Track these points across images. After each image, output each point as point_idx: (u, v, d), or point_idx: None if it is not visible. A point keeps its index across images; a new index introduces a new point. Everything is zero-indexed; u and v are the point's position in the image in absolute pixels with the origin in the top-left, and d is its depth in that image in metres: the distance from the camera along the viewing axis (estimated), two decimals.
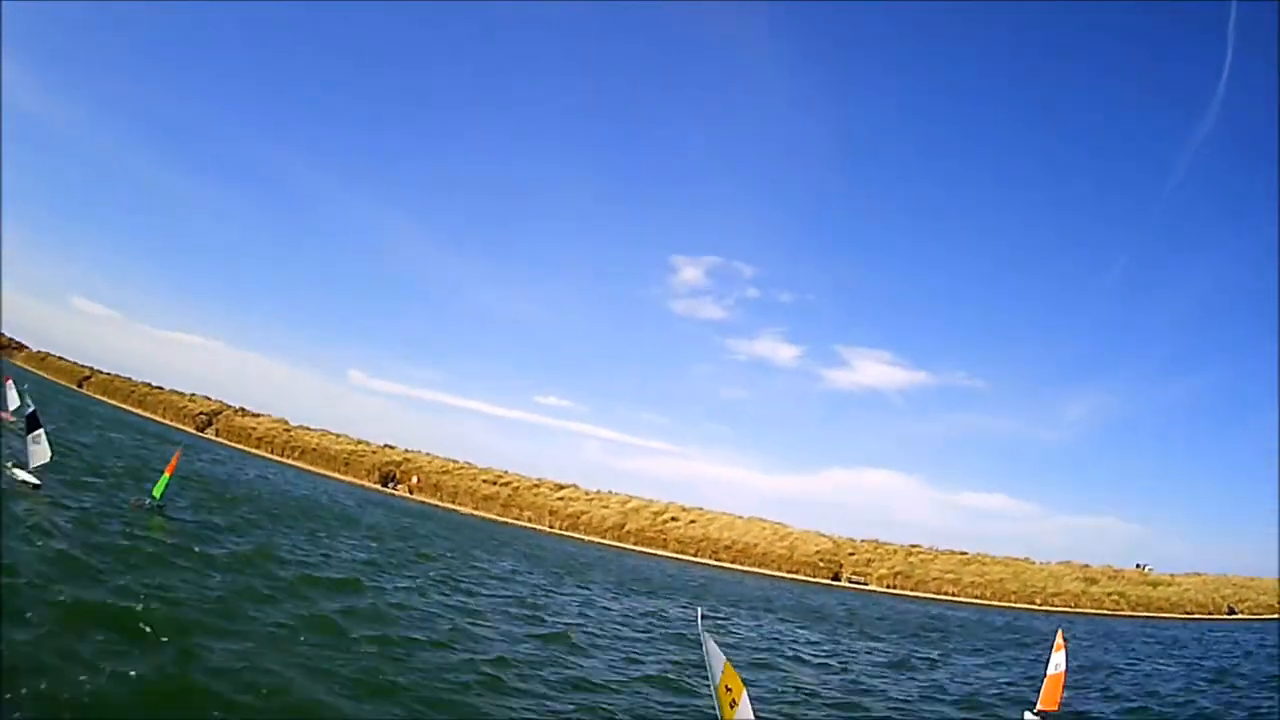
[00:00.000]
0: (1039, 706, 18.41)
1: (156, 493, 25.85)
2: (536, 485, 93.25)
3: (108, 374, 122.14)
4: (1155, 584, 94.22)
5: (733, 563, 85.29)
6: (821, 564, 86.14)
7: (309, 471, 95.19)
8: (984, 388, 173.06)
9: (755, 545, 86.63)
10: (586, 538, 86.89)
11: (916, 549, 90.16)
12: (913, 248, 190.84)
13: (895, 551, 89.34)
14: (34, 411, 23.22)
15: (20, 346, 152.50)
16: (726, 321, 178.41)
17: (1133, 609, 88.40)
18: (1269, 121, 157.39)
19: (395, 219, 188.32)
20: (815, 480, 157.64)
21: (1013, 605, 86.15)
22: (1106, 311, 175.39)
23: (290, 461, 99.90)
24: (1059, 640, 18.66)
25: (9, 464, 23.56)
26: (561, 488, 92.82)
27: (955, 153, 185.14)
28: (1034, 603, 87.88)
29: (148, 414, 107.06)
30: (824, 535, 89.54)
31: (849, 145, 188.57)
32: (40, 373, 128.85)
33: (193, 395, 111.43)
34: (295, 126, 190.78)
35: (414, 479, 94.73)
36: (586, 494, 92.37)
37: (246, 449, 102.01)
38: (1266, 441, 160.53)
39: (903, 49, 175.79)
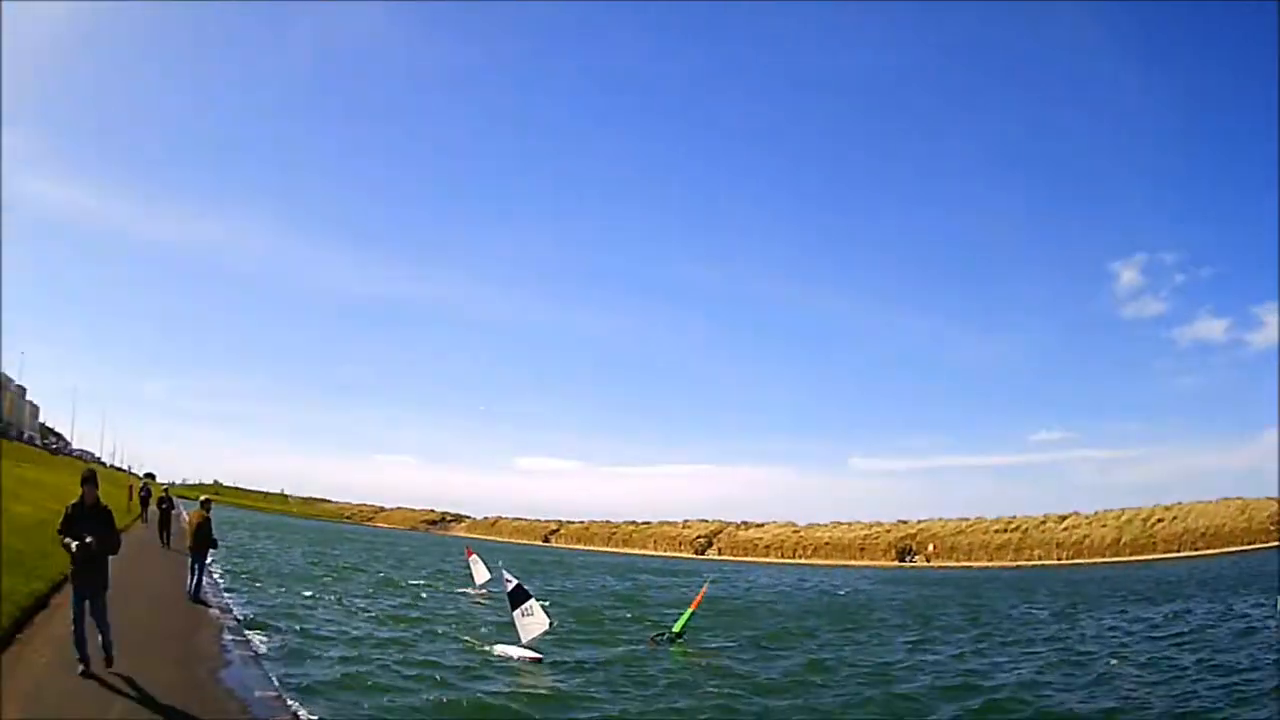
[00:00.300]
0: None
1: (677, 627, 24.18)
2: (1041, 523, 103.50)
3: (578, 523, 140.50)
4: None
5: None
6: None
7: (821, 565, 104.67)
8: None
9: None
10: (1088, 560, 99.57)
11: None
12: None
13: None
14: (518, 585, 20.65)
15: (460, 518, 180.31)
16: (1165, 315, 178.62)
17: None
18: None
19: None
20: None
21: None
22: None
23: (802, 561, 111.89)
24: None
25: (491, 645, 21.13)
26: (1064, 518, 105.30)
27: None
28: None
29: (635, 551, 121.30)
30: None
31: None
32: (493, 538, 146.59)
33: (686, 521, 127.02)
34: None
35: (930, 546, 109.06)
36: (1086, 519, 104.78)
37: (754, 560, 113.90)
38: None
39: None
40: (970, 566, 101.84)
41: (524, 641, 19.87)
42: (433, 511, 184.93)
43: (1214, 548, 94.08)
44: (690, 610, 24.60)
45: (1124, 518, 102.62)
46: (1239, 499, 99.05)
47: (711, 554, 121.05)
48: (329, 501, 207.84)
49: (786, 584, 59.97)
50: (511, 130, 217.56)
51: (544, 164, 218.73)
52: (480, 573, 35.06)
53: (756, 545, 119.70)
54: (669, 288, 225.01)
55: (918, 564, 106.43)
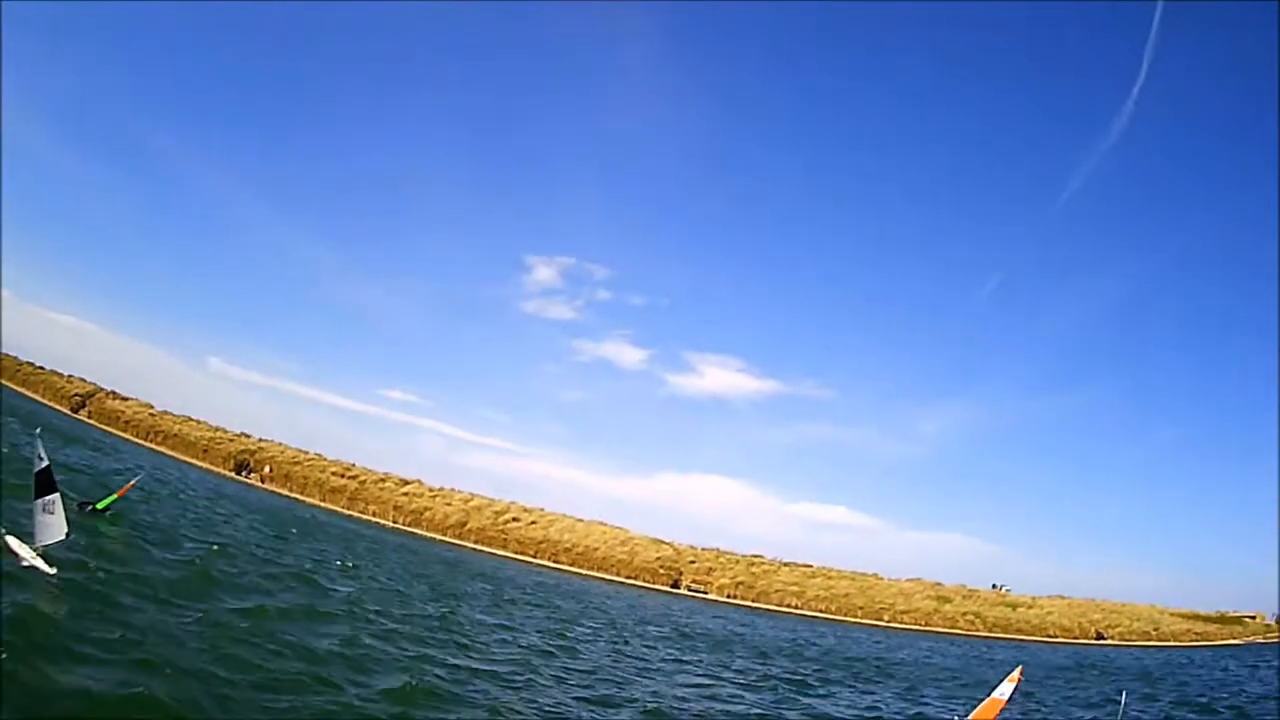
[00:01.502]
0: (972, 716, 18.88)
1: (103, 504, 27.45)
2: (383, 480, 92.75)
3: None
4: (1014, 605, 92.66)
5: (572, 565, 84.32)
6: (662, 570, 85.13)
7: (169, 456, 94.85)
8: (834, 398, 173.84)
9: (596, 549, 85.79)
10: (428, 534, 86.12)
11: (759, 559, 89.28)
12: (773, 253, 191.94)
13: (737, 561, 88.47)
14: (47, 467, 16.68)
15: None
16: (575, 322, 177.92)
17: (989, 630, 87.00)
18: (1173, 148, 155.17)
19: (256, 204, 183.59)
20: (648, 484, 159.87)
21: (859, 621, 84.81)
22: (973, 328, 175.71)
23: (153, 445, 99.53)
24: (1015, 674, 19.13)
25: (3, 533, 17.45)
26: (406, 483, 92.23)
27: (825, 160, 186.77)
28: (881, 619, 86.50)
29: (27, 392, 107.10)
30: (665, 542, 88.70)
31: (711, 146, 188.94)
32: None
33: (70, 376, 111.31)
34: (166, 106, 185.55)
35: (266, 468, 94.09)
36: (431, 490, 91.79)
37: (114, 431, 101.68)
38: (1125, 464, 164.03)
39: (775, 46, 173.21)
40: (301, 500, 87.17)
41: (37, 544, 16.76)
42: None
43: (577, 565, 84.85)
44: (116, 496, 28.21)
45: (473, 503, 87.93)
46: (622, 529, 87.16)
47: (83, 415, 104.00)
48: None
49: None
50: None
51: None
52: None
53: (119, 418, 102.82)
54: None
55: (252, 480, 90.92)
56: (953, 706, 24.88)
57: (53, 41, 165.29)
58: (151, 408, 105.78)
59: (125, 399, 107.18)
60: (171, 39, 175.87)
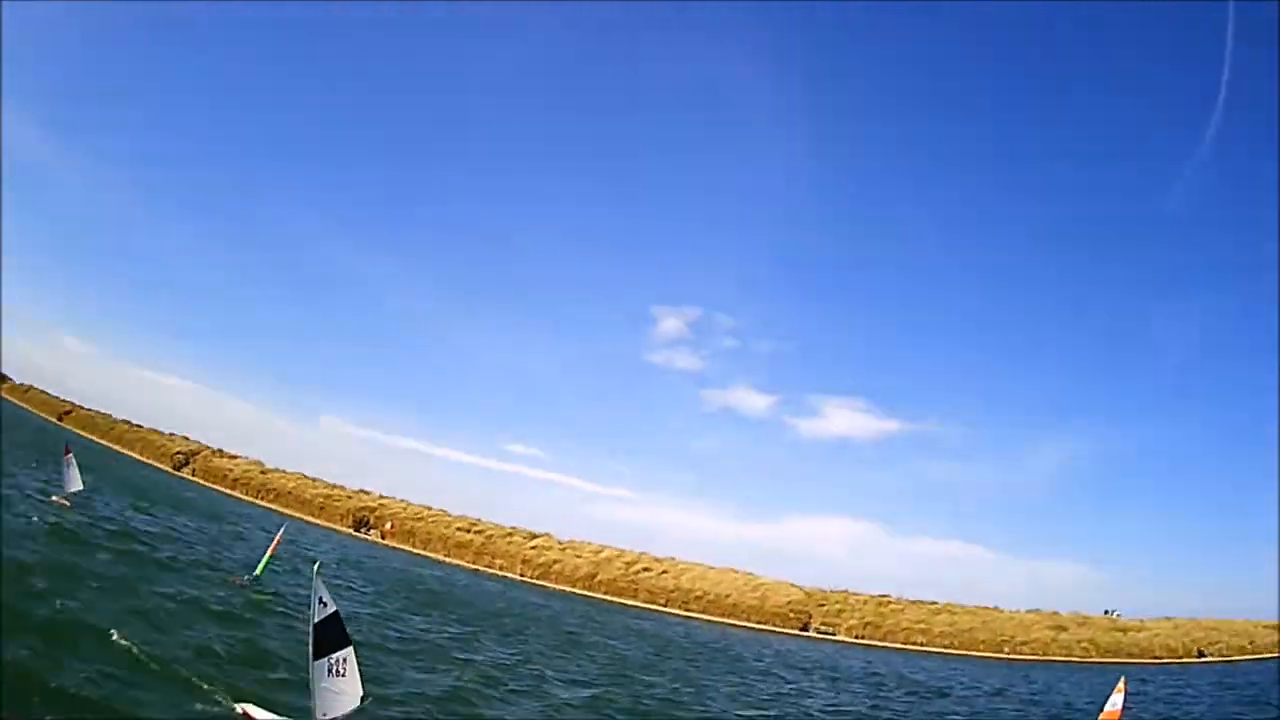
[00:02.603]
0: None
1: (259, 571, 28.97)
2: (510, 534, 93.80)
3: (89, 410, 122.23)
4: (1124, 629, 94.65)
5: (703, 612, 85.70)
6: (792, 614, 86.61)
7: (282, 514, 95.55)
8: (954, 434, 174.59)
9: (727, 596, 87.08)
10: (557, 586, 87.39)
11: (886, 599, 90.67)
12: (893, 293, 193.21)
13: (866, 602, 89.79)
14: (334, 614, 14.80)
15: (3, 378, 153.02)
16: (703, 372, 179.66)
17: (1102, 655, 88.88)
18: (1267, 168, 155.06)
19: (376, 260, 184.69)
20: (776, 528, 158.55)
21: (981, 654, 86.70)
22: (1083, 356, 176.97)
23: (264, 504, 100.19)
24: (1121, 685, 22.77)
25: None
26: (535, 536, 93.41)
27: (940, 202, 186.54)
28: (1002, 651, 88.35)
29: (124, 450, 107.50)
30: (794, 585, 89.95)
31: (833, 191, 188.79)
32: (24, 405, 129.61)
33: (170, 434, 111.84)
34: (278, 163, 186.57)
35: (388, 524, 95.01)
36: (560, 544, 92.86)
37: (222, 489, 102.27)
38: (1235, 489, 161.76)
39: (887, 81, 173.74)
40: (426, 556, 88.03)
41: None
42: None
43: (709, 613, 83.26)
44: (268, 556, 29.28)
45: (604, 555, 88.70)
46: (751, 575, 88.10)
47: (186, 473, 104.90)
48: None
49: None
50: None
51: None
52: (73, 480, 32.18)
53: (226, 476, 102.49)
54: None
55: (371, 537, 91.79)
56: None
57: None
58: (262, 464, 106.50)
59: (233, 457, 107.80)
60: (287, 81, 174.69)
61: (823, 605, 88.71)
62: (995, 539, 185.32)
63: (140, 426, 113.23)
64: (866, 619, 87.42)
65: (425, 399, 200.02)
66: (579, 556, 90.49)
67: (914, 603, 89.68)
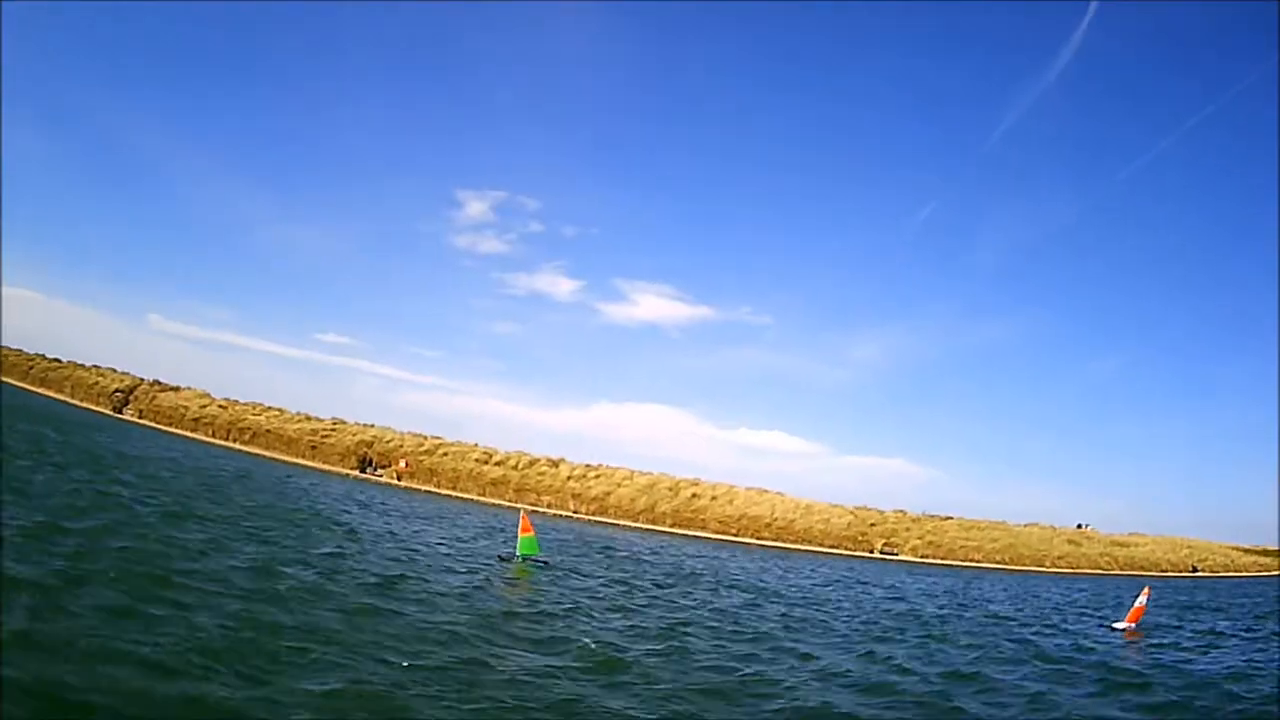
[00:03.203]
0: (1126, 620, 29.25)
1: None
2: (532, 462, 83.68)
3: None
4: (1125, 544, 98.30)
5: (775, 540, 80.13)
6: (860, 537, 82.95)
7: (267, 458, 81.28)
8: (768, 324, 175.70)
9: (793, 522, 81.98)
10: (619, 522, 79.05)
11: (933, 517, 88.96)
12: (706, 179, 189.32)
13: (915, 520, 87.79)
14: None
15: None
16: (508, 256, 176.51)
17: (1121, 568, 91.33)
18: (1111, 85, 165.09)
19: (182, 148, 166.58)
20: (585, 415, 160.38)
21: (1028, 569, 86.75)
22: (908, 255, 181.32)
23: (238, 447, 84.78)
24: (1146, 590, 30.47)
25: None
26: (555, 464, 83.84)
27: (759, 84, 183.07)
28: (1043, 565, 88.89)
29: (53, 394, 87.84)
30: (842, 507, 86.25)
31: (639, 71, 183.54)
32: None
33: (95, 367, 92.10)
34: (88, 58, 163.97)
35: (402, 463, 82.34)
36: (594, 470, 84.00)
37: (180, 432, 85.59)
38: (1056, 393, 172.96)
39: None
40: (458, 498, 78.12)
41: None
42: None
43: (780, 540, 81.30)
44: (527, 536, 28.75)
45: (648, 481, 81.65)
46: (799, 499, 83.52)
47: (129, 414, 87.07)
48: None
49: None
50: None
51: None
52: None
53: (183, 416, 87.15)
54: None
55: (382, 479, 79.67)
56: None
57: None
58: (208, 395, 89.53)
59: (176, 389, 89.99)
60: None
61: (874, 525, 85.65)
62: (816, 432, 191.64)
63: (60, 361, 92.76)
64: (927, 538, 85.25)
65: (238, 291, 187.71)
66: (620, 486, 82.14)
67: (946, 519, 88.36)
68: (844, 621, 26.50)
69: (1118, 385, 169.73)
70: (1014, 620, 31.70)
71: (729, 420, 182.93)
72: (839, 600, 34.33)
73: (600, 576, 30.40)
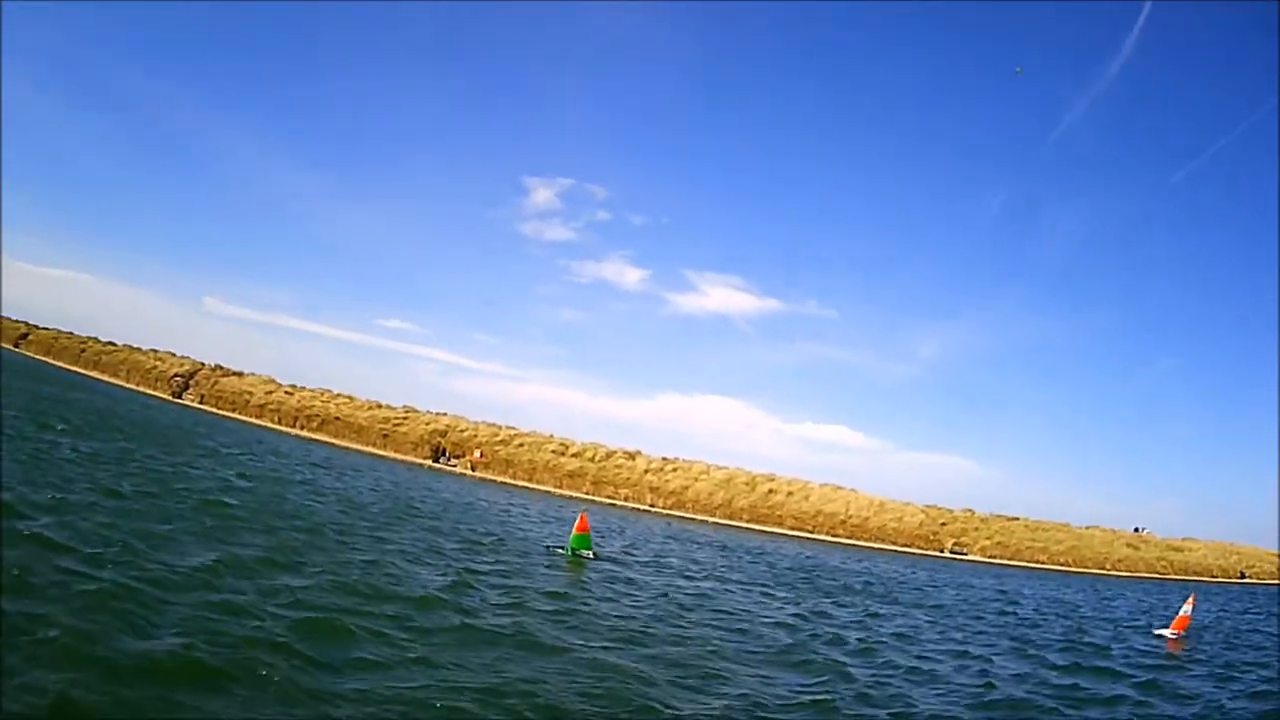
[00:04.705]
0: (1171, 628, 28.80)
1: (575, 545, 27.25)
2: (610, 455, 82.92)
3: (48, 330, 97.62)
4: (1180, 549, 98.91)
5: (849, 537, 79.91)
6: (933, 536, 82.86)
7: (336, 446, 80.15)
8: (834, 317, 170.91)
9: (868, 519, 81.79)
10: (694, 516, 78.52)
11: (1000, 517, 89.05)
12: (776, 170, 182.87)
13: (985, 520, 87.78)
14: None
15: None
16: (574, 243, 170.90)
17: (1177, 573, 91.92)
18: (1174, 79, 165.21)
19: (245, 135, 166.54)
20: (650, 405, 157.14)
21: (1091, 572, 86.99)
22: (973, 251, 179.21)
23: (306, 434, 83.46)
24: (1191, 598, 30.36)
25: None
26: (631, 456, 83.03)
27: (829, 76, 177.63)
28: (1104, 568, 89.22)
29: (111, 379, 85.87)
30: (914, 505, 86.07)
31: (713, 63, 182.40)
32: None
33: (153, 350, 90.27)
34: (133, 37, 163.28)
35: (476, 453, 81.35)
36: (671, 464, 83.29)
37: (244, 419, 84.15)
38: (1121, 391, 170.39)
39: None
40: (535, 489, 76.99)
41: None
42: None
43: (855, 538, 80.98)
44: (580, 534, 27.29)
45: (725, 475, 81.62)
46: (871, 496, 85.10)
47: (189, 399, 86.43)
48: None
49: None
50: None
51: None
52: None
53: (247, 402, 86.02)
54: None
55: (456, 469, 78.50)
56: None
57: None
58: (274, 381, 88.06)
59: (240, 374, 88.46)
60: None
61: (944, 524, 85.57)
62: (878, 428, 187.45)
63: (114, 344, 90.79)
64: (995, 538, 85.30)
65: (297, 275, 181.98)
66: (697, 480, 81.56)
67: (1009, 520, 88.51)
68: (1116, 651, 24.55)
69: (1174, 385, 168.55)
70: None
71: (794, 414, 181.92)
72: (1023, 614, 32.75)
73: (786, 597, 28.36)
